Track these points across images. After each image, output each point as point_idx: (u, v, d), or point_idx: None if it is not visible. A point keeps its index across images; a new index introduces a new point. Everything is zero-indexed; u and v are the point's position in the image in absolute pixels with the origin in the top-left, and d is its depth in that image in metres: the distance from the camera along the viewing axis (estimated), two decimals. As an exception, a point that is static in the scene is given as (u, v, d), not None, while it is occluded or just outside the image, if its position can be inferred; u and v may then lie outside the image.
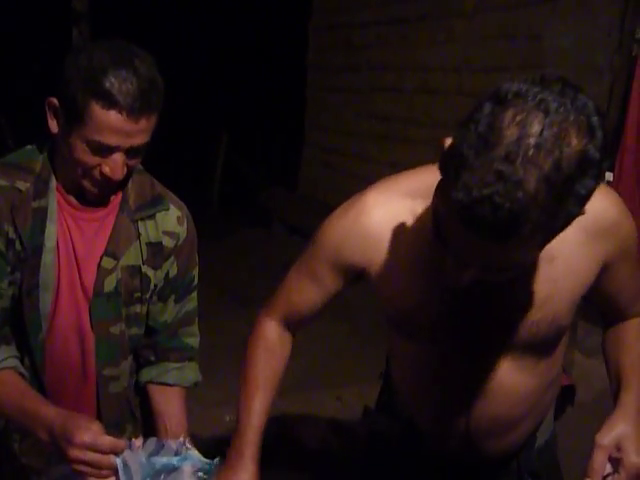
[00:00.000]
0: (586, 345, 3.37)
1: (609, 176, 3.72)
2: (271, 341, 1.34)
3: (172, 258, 1.44)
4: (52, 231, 1.32)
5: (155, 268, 1.41)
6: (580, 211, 0.89)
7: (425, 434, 1.33)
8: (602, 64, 3.45)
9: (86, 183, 1.29)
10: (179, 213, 1.44)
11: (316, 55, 6.62)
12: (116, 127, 1.19)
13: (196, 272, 1.51)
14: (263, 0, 9.31)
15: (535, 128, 0.82)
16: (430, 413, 1.29)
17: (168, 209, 1.43)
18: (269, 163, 8.16)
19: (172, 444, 1.22)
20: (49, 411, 1.21)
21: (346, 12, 5.97)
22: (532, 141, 0.82)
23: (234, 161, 7.86)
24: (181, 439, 1.25)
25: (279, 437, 2.82)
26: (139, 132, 1.22)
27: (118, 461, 1.12)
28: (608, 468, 1.05)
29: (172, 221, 1.43)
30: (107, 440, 1.13)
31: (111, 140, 1.21)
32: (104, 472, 1.13)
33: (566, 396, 1.46)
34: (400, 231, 1.16)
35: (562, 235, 1.05)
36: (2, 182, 1.30)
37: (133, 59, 1.21)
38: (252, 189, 7.35)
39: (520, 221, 0.83)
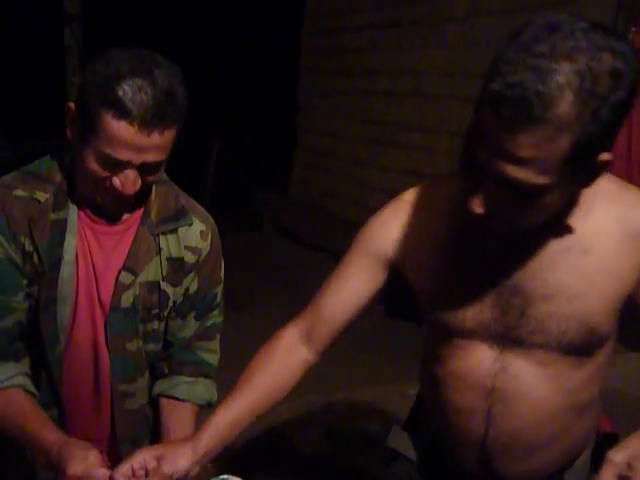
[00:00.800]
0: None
1: (600, 182, 3.74)
2: (277, 348, 1.29)
3: (193, 274, 1.38)
4: (71, 244, 1.27)
5: (175, 285, 1.36)
6: (615, 123, 0.90)
7: (443, 453, 1.30)
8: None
9: (97, 196, 1.24)
10: (203, 227, 1.38)
11: (309, 59, 6.63)
12: (126, 139, 1.13)
13: (220, 289, 1.45)
14: (256, 4, 9.31)
15: (574, 37, 0.87)
16: (449, 419, 1.24)
17: (191, 223, 1.37)
18: (261, 166, 8.15)
19: None
20: (49, 436, 1.18)
21: (339, 16, 5.99)
22: (570, 44, 0.87)
23: (226, 164, 7.85)
24: None
25: (270, 442, 2.81)
26: (152, 148, 1.15)
27: None
28: None
29: (195, 236, 1.37)
30: (100, 473, 1.09)
31: (122, 155, 1.15)
32: None
33: (608, 446, 1.37)
34: (434, 217, 1.18)
35: (598, 229, 1.07)
36: (20, 192, 1.26)
37: (153, 69, 1.14)
38: (244, 192, 7.34)
39: (549, 105, 0.86)
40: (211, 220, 1.42)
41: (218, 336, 1.47)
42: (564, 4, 3.52)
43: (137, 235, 1.32)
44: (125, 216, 1.32)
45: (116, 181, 1.18)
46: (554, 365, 1.13)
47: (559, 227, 1.07)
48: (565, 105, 0.86)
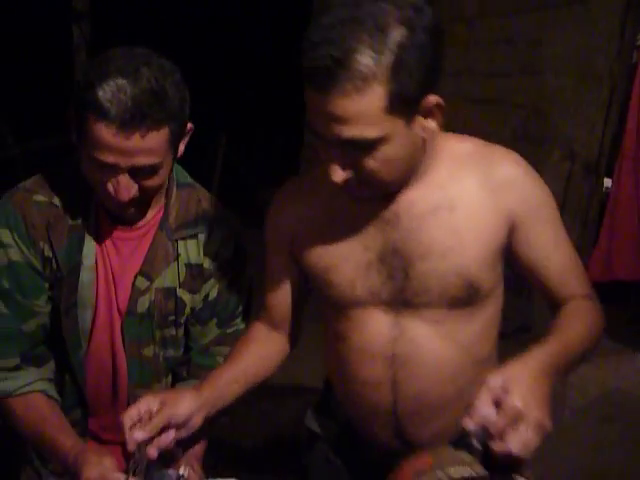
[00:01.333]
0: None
1: (608, 182, 3.73)
2: (252, 334, 1.38)
3: (213, 280, 1.36)
4: (91, 249, 1.26)
5: (193, 292, 1.34)
6: (425, 66, 1.00)
7: (358, 431, 1.33)
8: (602, 71, 3.46)
9: (102, 199, 1.23)
10: (225, 233, 1.36)
11: (316, 57, 6.62)
12: (107, 142, 1.09)
13: (244, 298, 1.43)
14: (263, 2, 9.32)
15: (358, 5, 0.98)
16: (358, 394, 1.28)
17: (213, 229, 1.34)
18: (268, 163, 8.15)
19: (172, 474, 1.20)
20: (66, 442, 1.19)
21: (347, 15, 5.97)
22: (356, 11, 0.97)
23: (232, 161, 7.86)
24: (181, 470, 1.22)
25: (274, 440, 2.81)
26: (138, 150, 1.11)
27: None
28: (492, 412, 0.94)
29: (216, 242, 1.35)
30: (114, 478, 1.10)
31: (106, 158, 1.11)
32: None
33: None
34: (315, 197, 1.26)
35: (463, 187, 1.16)
36: (39, 197, 1.25)
37: (140, 68, 1.10)
38: (250, 189, 7.34)
39: (346, 64, 0.96)
40: (237, 226, 1.40)
41: None
42: (572, 4, 3.51)
43: (154, 240, 1.30)
44: (143, 220, 1.31)
45: (109, 187, 1.16)
46: (446, 322, 1.19)
47: (423, 186, 1.16)
48: (362, 59, 0.96)
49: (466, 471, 0.96)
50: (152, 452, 1.11)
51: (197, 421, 1.19)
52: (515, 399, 0.92)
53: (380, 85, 0.97)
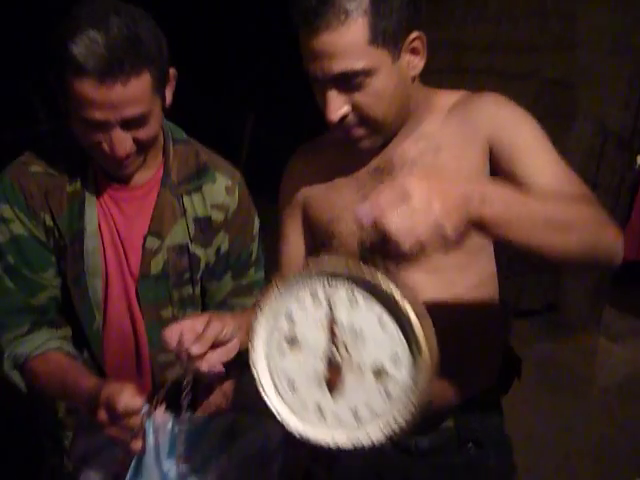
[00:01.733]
0: (611, 330, 3.34)
1: (641, 160, 3.66)
2: None
3: (222, 232, 1.34)
4: (92, 215, 1.24)
5: (205, 246, 1.32)
6: (406, 5, 1.11)
7: None
8: (637, 46, 3.38)
9: (100, 161, 1.21)
10: (228, 182, 1.35)
11: (345, 32, 6.56)
12: (90, 97, 1.06)
13: (255, 246, 1.41)
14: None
15: None
16: None
17: (215, 180, 1.33)
18: (296, 141, 8.13)
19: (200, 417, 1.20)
20: (88, 382, 1.16)
21: (376, -11, 5.90)
22: None
23: (261, 140, 7.85)
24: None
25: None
26: (124, 101, 1.08)
27: (147, 424, 1.08)
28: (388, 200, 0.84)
29: (220, 192, 1.33)
30: (125, 398, 1.02)
31: (94, 114, 1.08)
32: (133, 432, 1.05)
33: (511, 368, 1.35)
34: (323, 157, 1.33)
35: (447, 131, 1.21)
36: (35, 168, 1.25)
37: (110, 16, 1.07)
38: (277, 166, 7.34)
39: (330, 0, 1.04)
40: (237, 175, 1.38)
41: (256, 292, 1.43)
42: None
43: (159, 198, 1.28)
44: (144, 179, 1.29)
45: (105, 146, 1.13)
46: (444, 271, 1.21)
47: (414, 132, 1.22)
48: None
49: (339, 265, 0.92)
50: (204, 365, 1.08)
51: (237, 343, 1.15)
52: (407, 180, 0.83)
53: (362, 17, 1.06)
